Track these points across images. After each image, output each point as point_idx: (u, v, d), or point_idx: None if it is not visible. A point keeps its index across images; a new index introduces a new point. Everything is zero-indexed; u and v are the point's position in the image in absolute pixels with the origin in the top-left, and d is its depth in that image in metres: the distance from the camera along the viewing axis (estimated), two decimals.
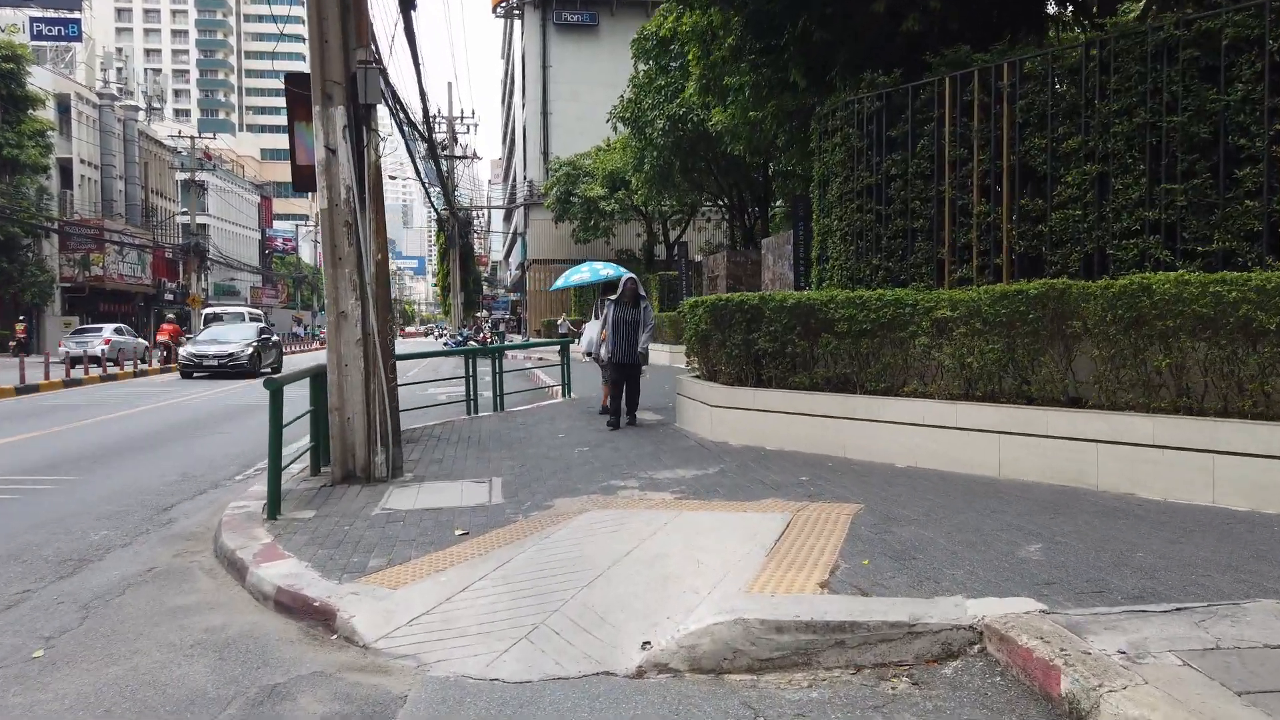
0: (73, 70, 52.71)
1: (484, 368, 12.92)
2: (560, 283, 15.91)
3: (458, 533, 5.37)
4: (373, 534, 5.45)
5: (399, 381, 9.76)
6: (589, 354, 9.93)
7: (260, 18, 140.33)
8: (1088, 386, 5.85)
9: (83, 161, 45.63)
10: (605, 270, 15.14)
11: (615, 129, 25.86)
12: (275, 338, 25.71)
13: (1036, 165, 7.16)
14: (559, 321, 30.90)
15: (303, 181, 7.57)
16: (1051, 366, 5.84)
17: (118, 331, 29.16)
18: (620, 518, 5.39)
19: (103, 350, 25.44)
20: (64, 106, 44.37)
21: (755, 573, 4.08)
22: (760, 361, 7.78)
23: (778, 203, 27.62)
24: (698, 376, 9.37)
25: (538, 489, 6.56)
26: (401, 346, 45.64)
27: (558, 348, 13.73)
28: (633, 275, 9.67)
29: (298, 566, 4.82)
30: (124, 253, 47.27)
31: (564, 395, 13.53)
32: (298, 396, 8.14)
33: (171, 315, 37.36)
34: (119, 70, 55.63)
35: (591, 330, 13.06)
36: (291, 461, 7.84)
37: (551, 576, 4.40)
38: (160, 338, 31.23)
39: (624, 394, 9.78)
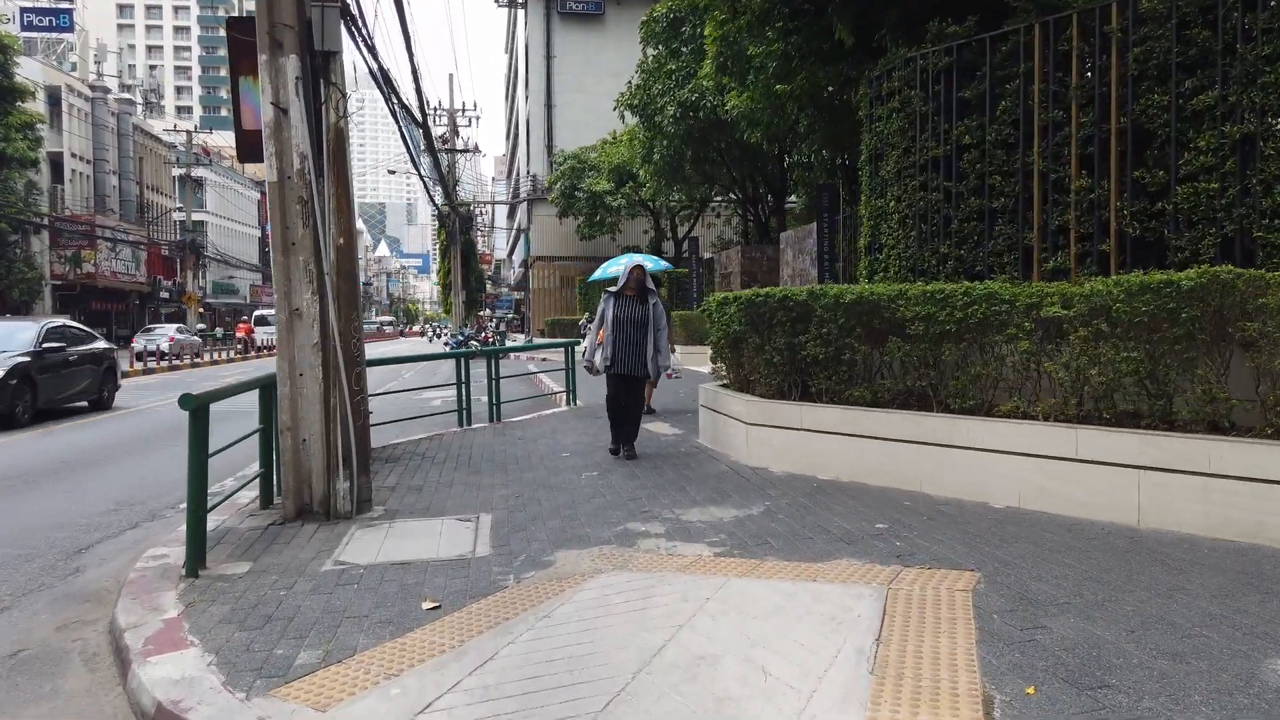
0: (64, 62, 51.48)
1: (472, 371, 11.57)
2: (599, 274, 14.33)
3: (426, 605, 3.99)
4: (315, 604, 4.08)
5: (369, 393, 8.43)
6: (587, 365, 7.69)
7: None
8: (1250, 410, 4.45)
9: (74, 156, 44.38)
10: (646, 263, 13.67)
11: (623, 118, 24.47)
12: (97, 349, 14.53)
13: (1155, 128, 5.76)
14: (580, 322, 29.16)
15: (249, 150, 6.20)
16: (1211, 382, 4.44)
17: (180, 330, 34.33)
18: (645, 586, 4.00)
19: (168, 346, 29.42)
20: (55, 99, 43.10)
21: (863, 708, 2.69)
22: (808, 370, 6.38)
23: (793, 196, 26.19)
24: (724, 385, 8.00)
25: (535, 533, 5.18)
26: (400, 349, 44.21)
27: (563, 350, 12.32)
28: (640, 262, 7.40)
29: (198, 664, 3.45)
30: (117, 250, 46.00)
31: (569, 403, 12.14)
32: (248, 409, 6.80)
33: (245, 317, 47.40)
34: (126, 64, 54.47)
35: (591, 336, 11.96)
36: (242, 487, 6.46)
37: (551, 691, 3.02)
38: (239, 334, 39.79)
39: (625, 417, 7.62)
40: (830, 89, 14.73)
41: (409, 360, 10.06)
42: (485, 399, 10.98)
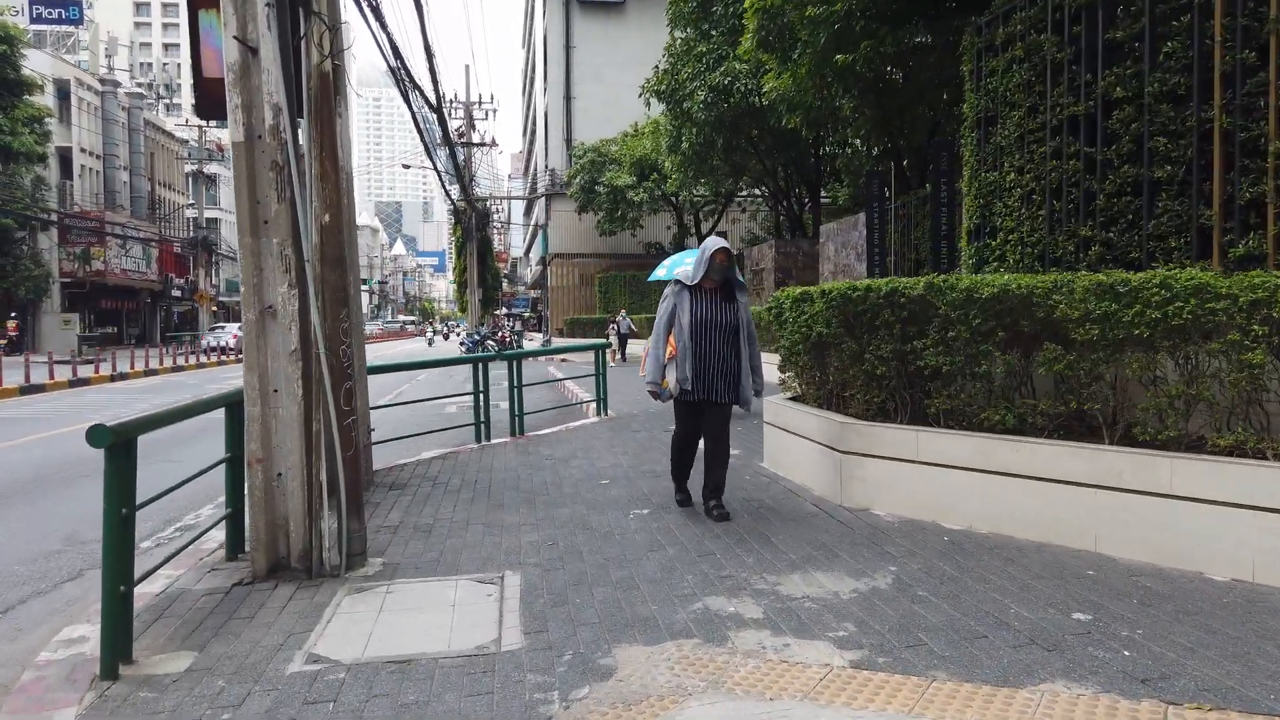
0: (77, 53, 50.64)
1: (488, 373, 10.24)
2: (662, 273, 12.91)
3: None
4: None
5: (372, 404, 7.12)
6: (653, 388, 5.54)
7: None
8: None
9: (83, 151, 43.44)
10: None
11: (649, 104, 23.08)
12: None
13: None
14: (617, 319, 27.44)
15: (211, 104, 4.89)
16: None
17: (241, 329, 41.38)
18: None
19: (233, 341, 32.83)
20: (64, 92, 42.18)
21: None
22: (923, 385, 4.99)
23: (826, 188, 24.73)
24: (793, 398, 6.64)
25: (581, 607, 3.83)
26: (393, 353, 42.55)
27: (593, 353, 10.97)
28: (725, 244, 5.25)
29: None
30: (127, 247, 45.06)
31: (599, 412, 10.79)
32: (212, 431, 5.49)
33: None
34: (139, 61, 53.63)
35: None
36: (210, 529, 5.16)
37: None
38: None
39: (712, 459, 5.43)
40: (890, 61, 13.35)
41: (414, 368, 8.70)
42: (505, 404, 9.66)
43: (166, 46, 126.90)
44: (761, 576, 4.10)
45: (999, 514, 4.53)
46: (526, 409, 9.58)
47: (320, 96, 4.53)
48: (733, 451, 7.69)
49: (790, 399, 6.76)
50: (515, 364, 9.24)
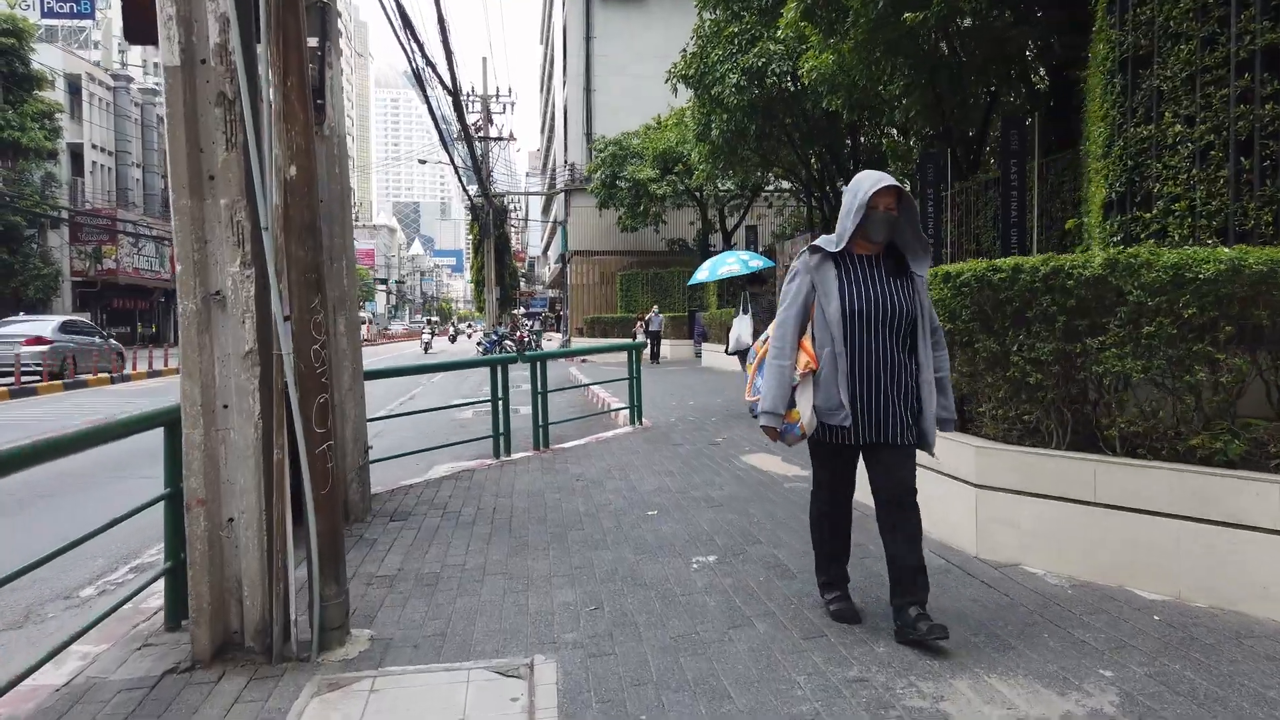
0: (88, 50, 50.01)
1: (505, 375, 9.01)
2: (704, 276, 11.63)
3: None
4: None
5: (367, 417, 5.91)
6: (771, 424, 3.34)
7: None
8: None
9: (95, 147, 42.69)
10: (755, 262, 11.05)
11: (675, 91, 21.80)
12: None
13: None
14: (647, 317, 26.12)
15: (141, 23, 3.68)
16: None
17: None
18: None
19: None
20: (75, 87, 41.44)
21: None
22: (1096, 400, 3.71)
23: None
24: None
25: None
26: (413, 352, 41.34)
27: (627, 355, 9.73)
28: (890, 180, 3.19)
29: None
30: (140, 245, 44.30)
31: (632, 421, 9.55)
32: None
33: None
34: (156, 59, 52.86)
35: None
36: (145, 585, 3.96)
37: None
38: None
39: (885, 532, 3.33)
40: (958, 23, 12.07)
41: (422, 371, 7.43)
42: (525, 409, 8.46)
43: None
44: (909, 680, 2.83)
45: (1225, 582, 3.25)
46: (550, 417, 8.36)
47: (284, 6, 3.31)
48: (798, 470, 6.42)
49: None
50: (538, 367, 8.02)
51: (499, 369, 7.59)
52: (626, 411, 9.80)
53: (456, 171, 25.44)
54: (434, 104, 18.29)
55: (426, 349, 41.34)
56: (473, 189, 34.96)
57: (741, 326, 9.74)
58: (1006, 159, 11.30)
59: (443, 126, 18.53)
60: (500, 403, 7.58)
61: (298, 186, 3.37)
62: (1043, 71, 15.28)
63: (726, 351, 10.48)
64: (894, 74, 15.01)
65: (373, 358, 34.01)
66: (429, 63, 13.60)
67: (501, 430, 7.61)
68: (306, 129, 3.38)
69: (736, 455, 7.47)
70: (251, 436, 3.36)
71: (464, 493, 6.30)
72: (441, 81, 15.62)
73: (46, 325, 20.23)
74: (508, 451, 7.70)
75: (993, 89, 15.71)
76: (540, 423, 8.07)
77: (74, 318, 24.25)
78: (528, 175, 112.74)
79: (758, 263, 11.29)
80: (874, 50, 14.21)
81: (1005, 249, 11.29)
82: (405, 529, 5.31)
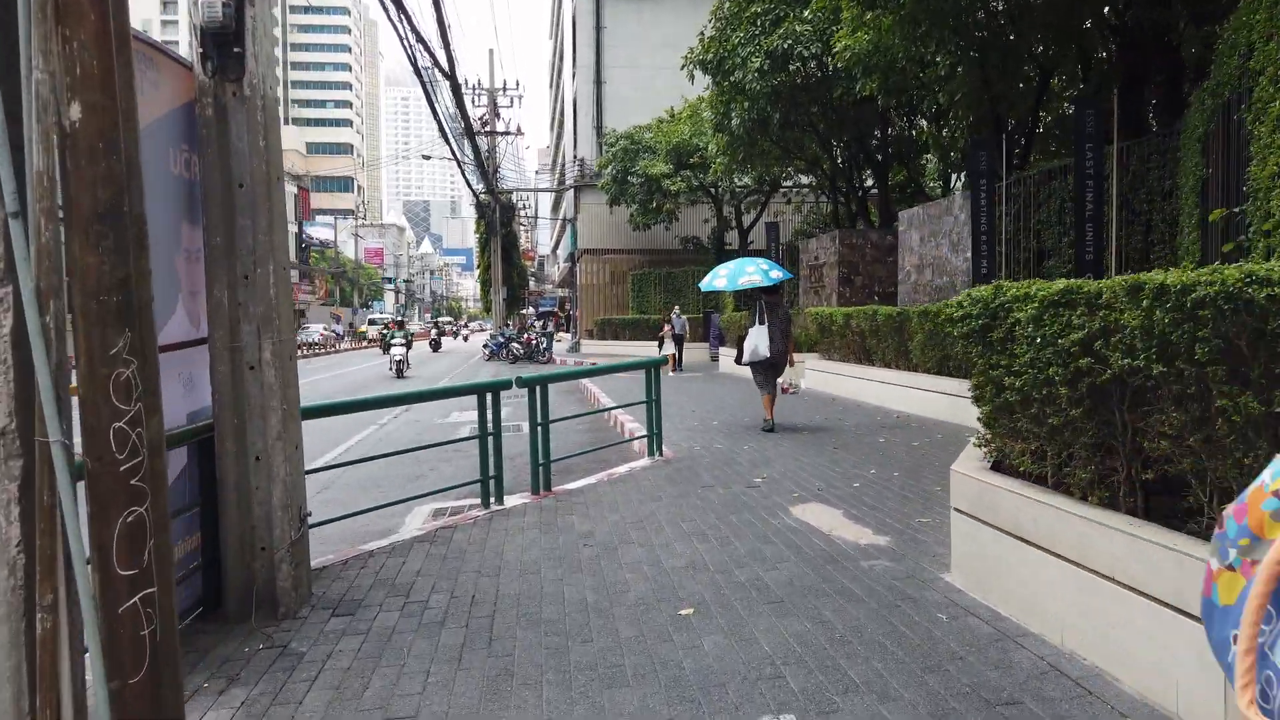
0: None
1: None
2: (722, 284, 10.20)
3: None
4: None
5: (304, 470, 4.47)
6: None
7: (306, 8, 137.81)
8: None
9: None
10: (776, 273, 10.08)
11: (691, 78, 20.31)
12: None
13: None
14: (671, 318, 24.42)
15: None
16: None
17: (327, 327, 44.07)
18: None
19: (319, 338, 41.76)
20: None
21: None
22: None
23: (891, 172, 21.79)
24: (996, 466, 3.89)
25: None
26: (418, 355, 39.44)
27: (645, 373, 8.24)
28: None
29: None
30: None
31: (651, 453, 8.08)
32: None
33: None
34: None
35: (757, 343, 9.76)
36: None
37: None
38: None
39: None
40: None
41: (377, 405, 5.79)
42: (526, 425, 7.00)
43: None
44: None
45: None
46: (553, 443, 6.90)
47: None
48: (873, 537, 4.92)
49: (981, 466, 4.01)
50: (538, 392, 6.56)
51: (488, 396, 6.13)
52: (644, 438, 8.33)
53: (460, 166, 24.02)
54: (436, 94, 16.88)
55: (396, 368, 38.89)
56: (479, 185, 33.54)
57: (759, 337, 9.50)
58: (1082, 143, 9.76)
59: (444, 115, 17.13)
60: (492, 440, 6.13)
61: (86, 139, 1.91)
62: (1109, 49, 13.74)
63: (739, 361, 10.01)
64: (939, 51, 13.51)
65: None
66: (420, 39, 12.16)
67: (492, 473, 6.16)
68: (101, 40, 1.92)
69: (784, 505, 5.99)
70: (3, 584, 1.91)
71: (438, 565, 4.84)
72: (435, 61, 14.16)
73: (320, 326, 35.17)
74: (499, 498, 6.25)
75: (1045, 71, 14.18)
76: (540, 460, 6.61)
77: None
78: (536, 173, 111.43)
79: (778, 273, 10.14)
80: (919, 25, 12.70)
81: (1080, 247, 9.77)
82: (348, 634, 3.86)
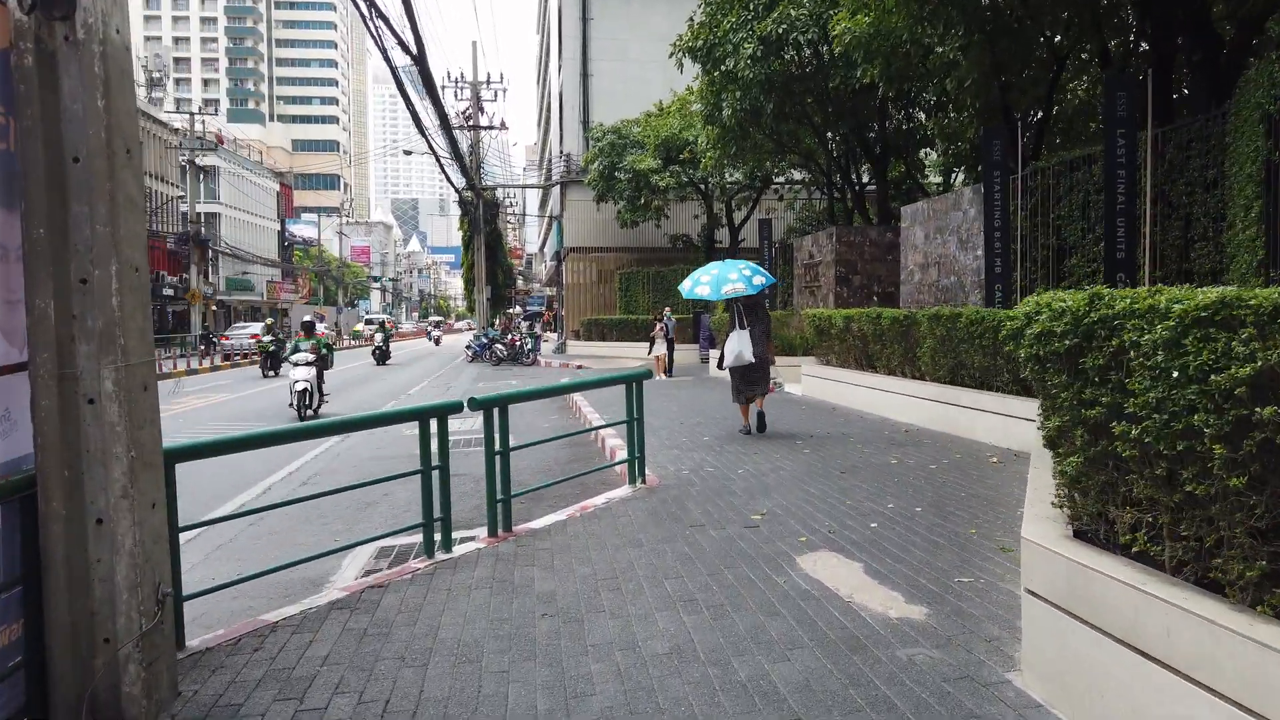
0: None
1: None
2: (705, 292, 9.45)
3: None
4: None
5: (179, 526, 3.40)
6: None
7: (292, 4, 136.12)
8: None
9: None
10: (758, 279, 9.64)
11: (680, 67, 19.27)
12: None
13: None
14: (663, 319, 22.45)
15: None
16: None
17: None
18: None
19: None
20: None
21: None
22: None
23: (891, 166, 20.77)
24: (1082, 533, 2.86)
25: None
26: (400, 352, 37.66)
27: (626, 388, 7.18)
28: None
29: None
30: None
31: (633, 480, 7.03)
32: None
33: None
34: (153, 54, 50.10)
35: (740, 348, 9.62)
36: None
37: None
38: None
39: None
40: None
41: (288, 439, 4.63)
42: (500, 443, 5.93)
43: (176, 40, 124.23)
44: None
45: None
46: (512, 492, 5.86)
47: None
48: (908, 609, 3.88)
49: (1082, 539, 2.99)
50: (496, 415, 5.50)
51: (431, 422, 5.07)
52: (624, 458, 7.28)
53: (438, 159, 22.89)
54: (406, 80, 15.74)
55: (299, 394, 38.00)
56: (460, 180, 32.39)
57: (741, 342, 9.38)
58: (1113, 128, 8.75)
59: (418, 103, 16.01)
60: (435, 475, 5.07)
61: None
62: (1131, 29, 12.76)
63: (720, 366, 9.79)
64: (946, 33, 12.51)
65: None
66: (379, 15, 11.02)
67: (437, 515, 5.10)
68: None
69: (789, 554, 4.96)
70: None
71: (352, 646, 3.79)
72: (404, 47, 13.04)
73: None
74: (446, 545, 5.19)
75: (1060, 56, 13.20)
76: (498, 496, 5.56)
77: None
78: (525, 170, 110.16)
79: (761, 279, 9.67)
80: (924, 3, 11.71)
81: (1110, 244, 8.78)
82: None
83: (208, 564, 5.86)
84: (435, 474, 5.09)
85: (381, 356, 30.58)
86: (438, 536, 5.16)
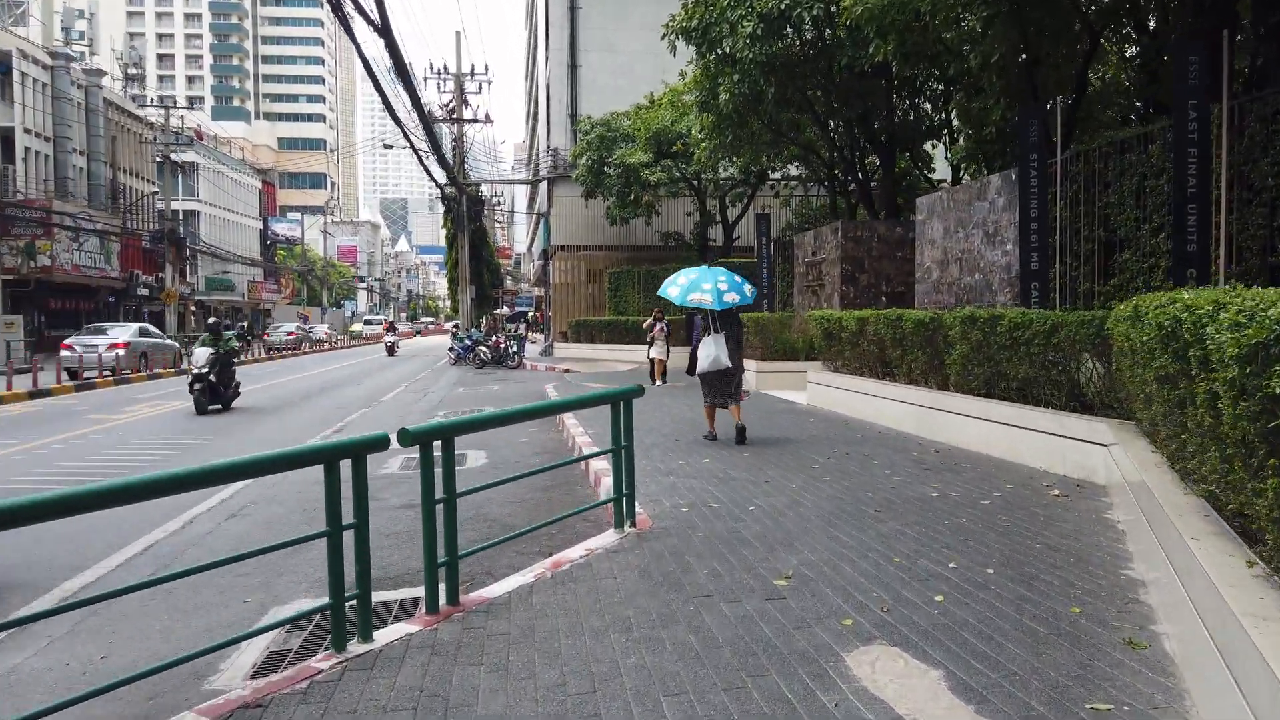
0: (26, 26, 45.78)
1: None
2: (675, 294, 9.47)
3: None
4: None
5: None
6: None
7: (278, 1, 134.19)
8: None
9: (29, 132, 38.50)
10: (732, 295, 9.24)
11: (673, 49, 17.92)
12: None
13: None
14: (662, 316, 19.77)
15: None
16: None
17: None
18: None
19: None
20: (4, 66, 37.27)
21: None
22: None
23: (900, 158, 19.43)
24: None
25: None
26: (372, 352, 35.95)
27: (613, 406, 5.77)
28: None
29: None
30: (81, 240, 40.11)
31: (619, 523, 5.66)
32: None
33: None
34: (135, 51, 48.55)
35: (717, 352, 9.42)
36: None
37: None
38: None
39: None
40: None
41: (165, 488, 3.28)
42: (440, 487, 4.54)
43: (160, 36, 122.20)
44: None
45: None
46: (459, 552, 4.48)
47: None
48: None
49: None
50: (437, 452, 4.12)
51: (340, 465, 3.69)
52: (609, 494, 5.90)
53: (416, 153, 21.48)
54: (376, 65, 14.32)
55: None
56: (442, 176, 30.97)
57: (717, 347, 9.20)
58: (1184, 98, 7.43)
59: (387, 90, 14.62)
60: (346, 535, 3.69)
61: None
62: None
63: (691, 372, 9.14)
64: (970, 4, 11.20)
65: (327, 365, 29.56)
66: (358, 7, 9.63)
67: (348, 594, 3.73)
68: None
69: (833, 649, 3.60)
70: None
71: None
72: (370, 23, 11.65)
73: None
74: (364, 633, 3.81)
75: (1096, 29, 11.90)
76: (443, 558, 4.18)
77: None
78: (513, 168, 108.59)
79: (734, 296, 9.19)
80: None
81: (1179, 235, 7.46)
82: None
83: (54, 650, 4.46)
84: (349, 534, 3.71)
85: (202, 395, 23.91)
86: (355, 628, 3.78)
